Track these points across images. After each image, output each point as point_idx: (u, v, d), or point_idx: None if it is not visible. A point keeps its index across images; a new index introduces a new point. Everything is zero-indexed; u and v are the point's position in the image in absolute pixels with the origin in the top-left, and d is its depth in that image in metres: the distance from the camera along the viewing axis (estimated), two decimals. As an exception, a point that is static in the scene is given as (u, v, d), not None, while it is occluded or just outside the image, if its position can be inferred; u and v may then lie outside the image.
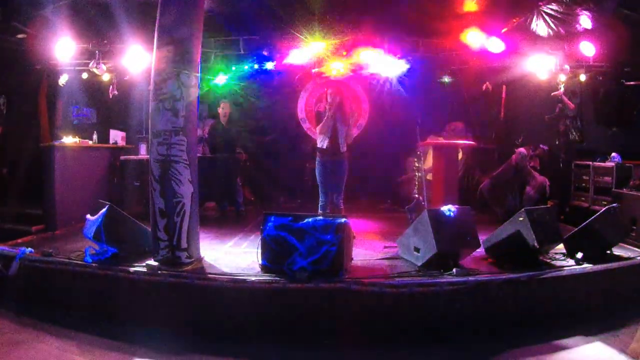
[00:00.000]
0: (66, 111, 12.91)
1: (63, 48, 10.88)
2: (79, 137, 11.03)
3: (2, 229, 9.52)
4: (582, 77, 11.95)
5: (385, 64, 11.71)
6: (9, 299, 7.25)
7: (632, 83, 11.91)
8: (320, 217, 6.83)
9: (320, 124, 9.15)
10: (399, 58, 11.55)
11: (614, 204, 8.47)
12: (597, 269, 7.09)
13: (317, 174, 9.23)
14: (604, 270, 7.10)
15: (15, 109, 12.23)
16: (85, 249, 7.40)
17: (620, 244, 8.30)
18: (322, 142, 9.13)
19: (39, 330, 6.36)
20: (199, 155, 7.70)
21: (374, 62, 11.61)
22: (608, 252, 7.88)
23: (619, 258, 7.70)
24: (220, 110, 12.01)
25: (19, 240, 8.55)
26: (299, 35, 11.03)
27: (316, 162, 9.23)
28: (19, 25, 10.79)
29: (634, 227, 8.77)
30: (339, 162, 9.14)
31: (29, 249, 7.51)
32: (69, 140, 10.71)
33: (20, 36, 11.14)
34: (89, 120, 13.43)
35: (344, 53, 11.51)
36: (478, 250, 7.64)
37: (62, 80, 11.88)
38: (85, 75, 11.97)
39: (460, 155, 12.14)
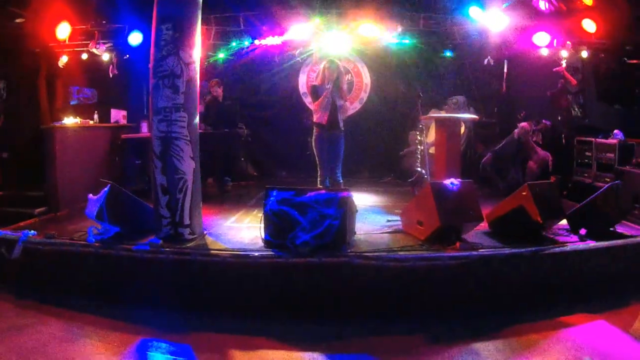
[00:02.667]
0: (66, 92, 12.87)
1: (61, 30, 10.86)
2: (79, 118, 11.02)
3: (5, 213, 9.52)
4: (584, 54, 11.88)
5: (386, 38, 11.66)
6: (11, 282, 7.27)
7: (634, 61, 11.85)
8: (323, 191, 6.83)
9: (319, 100, 9.11)
10: (400, 32, 11.50)
11: (617, 181, 8.44)
12: (600, 246, 7.04)
13: (315, 148, 9.20)
14: (607, 247, 7.05)
15: (15, 92, 12.19)
16: (88, 229, 7.38)
17: (623, 221, 8.28)
18: (321, 118, 9.10)
19: (42, 313, 6.35)
20: (200, 131, 7.67)
21: (375, 36, 11.56)
22: (611, 229, 7.87)
23: (622, 236, 7.67)
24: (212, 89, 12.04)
25: (22, 224, 8.53)
26: (299, 9, 10.98)
27: (314, 137, 9.20)
28: (16, 9, 10.76)
29: (637, 205, 8.74)
30: (337, 137, 9.11)
31: (32, 231, 7.48)
32: (69, 121, 10.70)
33: (18, 21, 11.11)
34: (90, 100, 13.38)
35: (345, 27, 11.46)
36: (481, 224, 7.62)
37: (62, 61, 11.84)
38: (84, 56, 11.90)
39: (462, 129, 12.12)
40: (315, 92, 9.27)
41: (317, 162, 9.23)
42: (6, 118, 11.94)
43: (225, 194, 11.73)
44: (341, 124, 9.11)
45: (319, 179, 9.23)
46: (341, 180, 9.27)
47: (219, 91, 12.02)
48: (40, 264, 7.17)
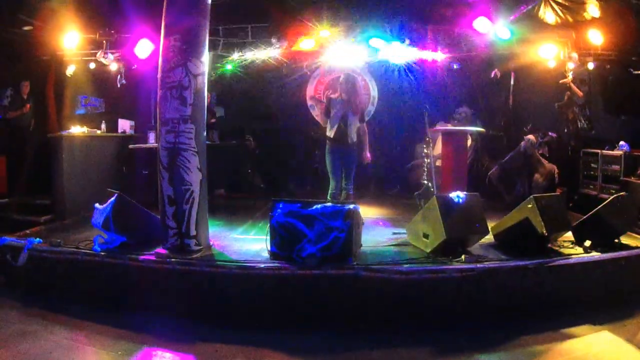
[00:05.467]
0: (74, 101, 12.92)
1: (70, 39, 10.89)
2: (87, 127, 11.07)
3: (11, 220, 9.59)
4: (590, 65, 11.88)
5: (393, 51, 11.66)
6: (17, 290, 7.31)
7: (640, 72, 11.87)
8: (329, 204, 6.84)
9: (332, 113, 9.08)
10: (408, 45, 11.50)
11: (622, 193, 8.44)
12: (605, 258, 7.06)
13: (327, 162, 9.17)
14: (612, 259, 7.06)
15: (23, 100, 12.24)
16: (94, 238, 7.42)
17: (628, 232, 8.25)
18: (331, 131, 9.08)
19: (48, 320, 6.38)
20: (207, 142, 7.69)
21: (383, 49, 11.54)
22: (616, 240, 7.84)
23: (627, 247, 7.65)
24: None
25: (28, 231, 8.55)
26: (307, 21, 10.98)
27: (326, 150, 9.18)
28: (24, 17, 10.81)
29: (642, 216, 8.73)
30: (349, 151, 9.05)
31: (38, 239, 7.52)
32: (77, 130, 10.74)
33: (26, 28, 11.17)
34: (97, 109, 13.44)
35: (352, 40, 11.45)
36: (486, 236, 7.64)
37: (69, 70, 11.89)
38: (92, 65, 11.94)
39: (469, 142, 12.10)
40: (328, 105, 9.25)
41: (329, 174, 9.22)
42: (15, 125, 12.02)
43: (233, 205, 11.73)
44: (353, 139, 9.05)
45: (329, 192, 9.22)
46: (352, 193, 9.24)
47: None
48: (45, 272, 7.20)
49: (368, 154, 9.29)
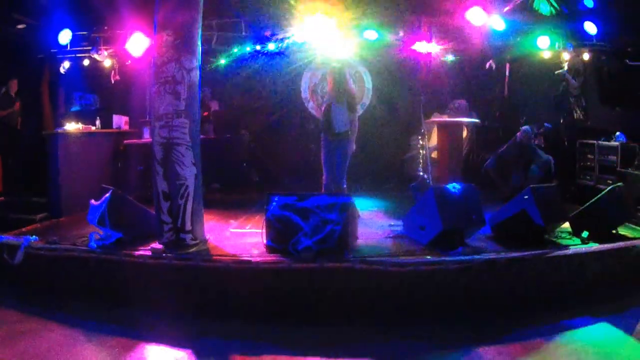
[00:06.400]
0: (68, 98, 12.91)
1: (63, 36, 10.86)
2: (81, 124, 11.01)
3: (7, 219, 9.53)
4: (586, 56, 11.88)
5: (388, 43, 11.63)
6: (14, 288, 7.29)
7: (636, 63, 11.83)
8: (325, 196, 6.84)
9: (322, 105, 9.12)
10: (402, 37, 11.47)
11: (619, 183, 8.44)
12: (602, 249, 7.05)
13: (322, 153, 9.20)
14: (610, 250, 7.05)
15: (18, 98, 12.22)
16: (90, 234, 7.38)
17: (626, 223, 8.24)
18: (322, 122, 9.11)
19: (45, 319, 6.36)
20: (202, 136, 7.67)
21: (377, 41, 11.52)
22: (614, 231, 7.85)
23: (624, 238, 7.65)
24: None
25: (24, 229, 8.53)
26: (300, 15, 10.94)
27: (321, 142, 9.20)
28: (18, 15, 10.78)
29: (639, 207, 8.71)
30: (338, 142, 9.06)
31: (34, 237, 7.49)
32: (71, 127, 10.69)
33: (20, 27, 11.14)
34: (92, 106, 13.41)
35: (347, 32, 11.42)
36: (483, 228, 7.62)
37: (63, 67, 11.85)
38: (86, 62, 11.90)
39: (464, 133, 12.10)
40: (322, 97, 9.30)
41: (323, 166, 9.22)
42: (6, 124, 11.98)
43: (228, 199, 11.70)
44: (341, 129, 9.04)
45: (323, 183, 9.23)
46: (344, 185, 9.24)
47: None
48: (42, 270, 7.18)
49: (353, 145, 9.31)
